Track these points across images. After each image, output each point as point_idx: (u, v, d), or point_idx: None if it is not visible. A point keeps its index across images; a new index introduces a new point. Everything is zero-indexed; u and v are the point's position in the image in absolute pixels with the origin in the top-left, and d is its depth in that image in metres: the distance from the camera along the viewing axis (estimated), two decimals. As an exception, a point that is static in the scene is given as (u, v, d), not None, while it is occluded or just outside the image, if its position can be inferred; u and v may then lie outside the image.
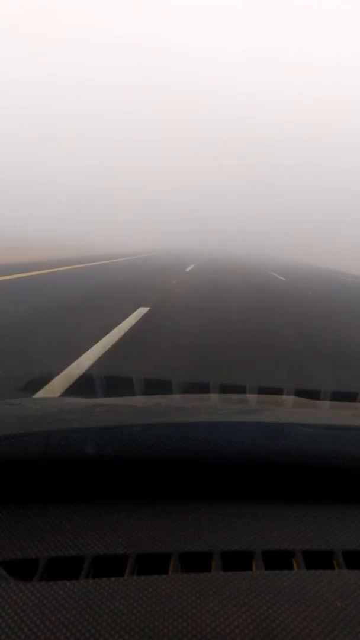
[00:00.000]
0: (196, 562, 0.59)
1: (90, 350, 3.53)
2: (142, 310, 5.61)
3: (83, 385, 2.65)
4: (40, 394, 2.44)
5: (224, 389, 2.15)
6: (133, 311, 5.46)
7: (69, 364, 3.10)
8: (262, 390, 1.95)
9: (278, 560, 0.60)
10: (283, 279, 15.42)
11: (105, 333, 4.16)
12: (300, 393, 1.50)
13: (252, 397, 1.59)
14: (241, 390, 2.16)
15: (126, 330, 4.43)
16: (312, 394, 1.75)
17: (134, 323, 4.83)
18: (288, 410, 1.20)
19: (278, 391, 1.94)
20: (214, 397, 1.64)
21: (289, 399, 1.44)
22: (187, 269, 15.24)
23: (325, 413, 1.23)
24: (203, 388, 2.32)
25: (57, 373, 2.82)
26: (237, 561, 0.60)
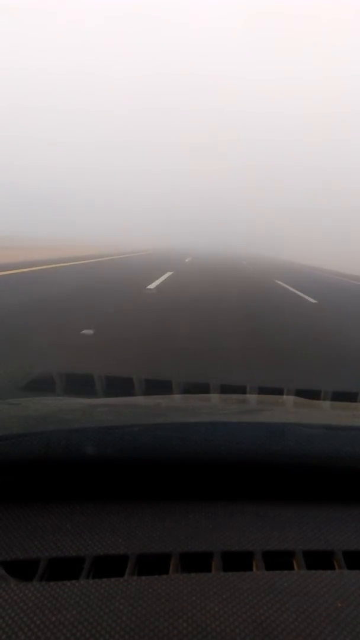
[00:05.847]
0: (196, 562, 0.59)
1: None
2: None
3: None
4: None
5: (224, 389, 2.15)
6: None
7: None
8: (262, 391, 1.94)
9: (278, 560, 0.60)
10: (315, 301, 9.04)
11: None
12: (300, 393, 1.50)
13: (252, 397, 1.58)
14: (241, 390, 2.15)
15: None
16: (312, 394, 1.75)
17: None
18: (288, 410, 1.20)
19: (278, 391, 1.94)
20: (214, 397, 1.63)
21: (289, 399, 1.44)
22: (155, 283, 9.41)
23: (325, 413, 1.23)
24: (203, 388, 2.31)
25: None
26: (237, 561, 0.60)
